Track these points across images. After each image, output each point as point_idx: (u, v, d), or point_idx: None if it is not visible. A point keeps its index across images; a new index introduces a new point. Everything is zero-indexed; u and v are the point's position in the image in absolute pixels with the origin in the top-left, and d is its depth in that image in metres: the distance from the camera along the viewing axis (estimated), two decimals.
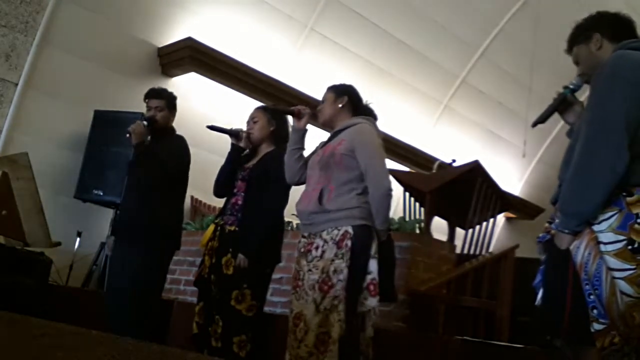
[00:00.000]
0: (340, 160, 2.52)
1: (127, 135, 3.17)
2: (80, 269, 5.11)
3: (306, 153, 2.80)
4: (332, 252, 2.42)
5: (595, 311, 1.74)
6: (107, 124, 5.31)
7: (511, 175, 9.42)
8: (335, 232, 2.44)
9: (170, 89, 3.51)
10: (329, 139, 2.69)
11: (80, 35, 5.55)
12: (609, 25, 2.00)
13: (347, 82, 2.83)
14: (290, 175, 2.77)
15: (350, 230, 2.42)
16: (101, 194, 5.12)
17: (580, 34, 2.04)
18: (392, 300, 2.60)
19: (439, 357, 2.87)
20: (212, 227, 3.05)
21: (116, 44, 5.81)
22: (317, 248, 2.48)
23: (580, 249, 1.79)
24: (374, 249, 2.45)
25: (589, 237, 1.78)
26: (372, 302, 2.41)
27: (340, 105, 2.70)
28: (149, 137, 3.26)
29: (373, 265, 2.43)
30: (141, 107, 5.32)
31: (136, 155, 3.18)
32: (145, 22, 6.02)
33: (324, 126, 2.78)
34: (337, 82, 2.82)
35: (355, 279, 2.39)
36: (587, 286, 1.76)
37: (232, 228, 2.94)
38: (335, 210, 2.47)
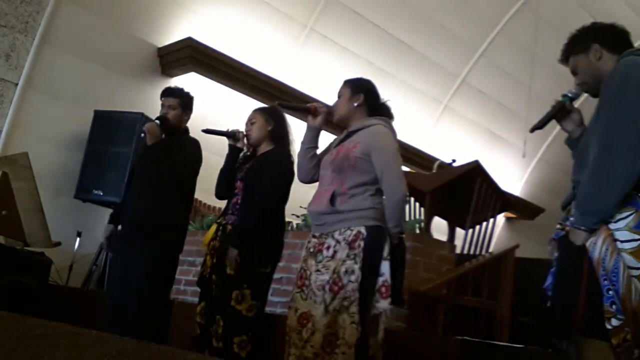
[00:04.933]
0: (354, 163, 2.47)
1: (143, 134, 3.18)
2: (80, 269, 5.11)
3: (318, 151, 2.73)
4: (344, 252, 2.39)
5: (614, 307, 1.77)
6: (107, 124, 5.31)
7: (511, 175, 9.42)
8: (348, 232, 2.41)
9: None
10: (343, 139, 2.62)
11: (80, 35, 5.56)
12: (607, 35, 2.04)
13: (365, 77, 2.72)
14: (302, 174, 2.71)
15: (363, 230, 2.38)
16: (101, 194, 5.12)
17: (578, 44, 2.07)
18: (400, 304, 2.56)
19: (439, 357, 2.87)
20: (214, 227, 3.04)
21: (116, 44, 5.81)
22: (328, 248, 2.44)
23: (597, 245, 1.82)
24: (386, 250, 2.41)
25: (605, 233, 1.81)
26: (384, 304, 2.36)
27: (356, 104, 2.61)
28: (163, 135, 3.25)
29: (385, 267, 2.39)
30: (141, 107, 5.37)
31: (152, 154, 3.17)
32: (145, 22, 6.02)
33: (338, 124, 2.69)
34: (355, 77, 2.71)
35: (367, 281, 2.35)
36: (605, 281, 1.79)
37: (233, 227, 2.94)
38: (348, 211, 2.43)
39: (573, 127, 2.13)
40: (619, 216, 1.80)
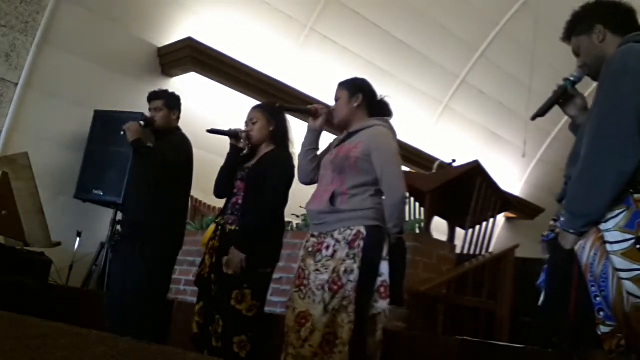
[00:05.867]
0: (355, 163, 2.47)
1: (122, 132, 3.19)
2: (80, 269, 5.11)
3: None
4: (343, 252, 2.39)
5: (602, 313, 1.68)
6: (107, 124, 5.30)
7: (511, 175, 9.41)
8: (348, 232, 2.41)
9: (170, 89, 3.51)
10: (344, 139, 2.63)
11: (80, 35, 5.56)
12: (611, 16, 1.91)
13: (359, 77, 2.72)
14: (303, 175, 2.72)
15: (363, 230, 2.39)
16: (101, 194, 5.12)
17: (581, 24, 1.95)
18: (400, 304, 2.57)
19: (439, 357, 2.87)
20: (213, 227, 3.04)
21: (116, 44, 5.81)
22: (327, 248, 2.44)
23: (585, 249, 1.72)
24: (385, 250, 2.42)
25: (594, 236, 1.72)
26: (383, 304, 2.37)
27: (355, 105, 2.62)
28: (155, 139, 3.27)
29: (384, 267, 2.39)
30: (141, 107, 5.35)
31: (134, 152, 3.19)
32: (145, 22, 6.02)
33: (338, 127, 2.69)
34: (348, 78, 2.71)
35: (366, 281, 2.36)
36: (593, 288, 1.70)
37: (233, 227, 2.94)
38: (349, 210, 2.44)
39: (576, 113, 2.01)
40: (609, 215, 1.69)
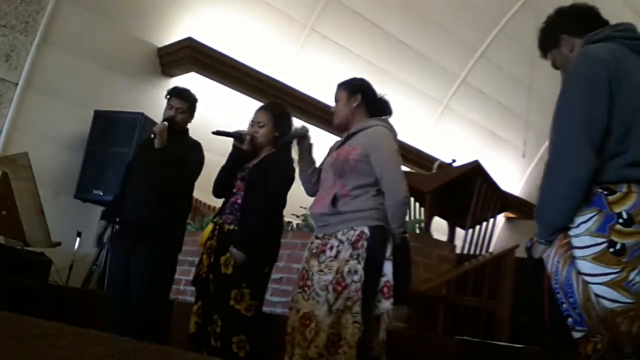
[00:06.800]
0: (354, 166, 2.47)
1: (152, 136, 3.17)
2: (80, 269, 5.11)
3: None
4: (347, 252, 2.39)
5: (570, 319, 1.66)
6: (107, 124, 5.31)
7: (511, 175, 9.42)
8: (352, 232, 2.42)
9: None
10: (344, 141, 2.63)
11: (80, 35, 5.56)
12: (571, 22, 1.91)
13: (358, 77, 2.72)
14: (308, 188, 2.74)
15: (366, 230, 2.39)
16: (101, 194, 5.12)
17: (549, 40, 1.96)
18: (404, 303, 2.56)
19: (439, 357, 2.87)
20: (210, 226, 3.04)
21: (116, 44, 5.81)
22: (331, 248, 2.45)
23: (550, 257, 1.72)
24: (389, 251, 2.42)
25: (558, 243, 1.71)
26: (386, 304, 2.37)
27: (354, 105, 2.62)
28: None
29: (388, 267, 2.39)
30: (141, 107, 5.38)
31: (162, 159, 3.17)
32: (145, 22, 6.02)
33: (339, 128, 2.69)
34: (347, 78, 2.70)
35: (370, 281, 2.36)
36: (559, 294, 1.69)
37: (231, 227, 2.94)
38: (351, 211, 2.44)
39: None
40: (580, 219, 1.67)
